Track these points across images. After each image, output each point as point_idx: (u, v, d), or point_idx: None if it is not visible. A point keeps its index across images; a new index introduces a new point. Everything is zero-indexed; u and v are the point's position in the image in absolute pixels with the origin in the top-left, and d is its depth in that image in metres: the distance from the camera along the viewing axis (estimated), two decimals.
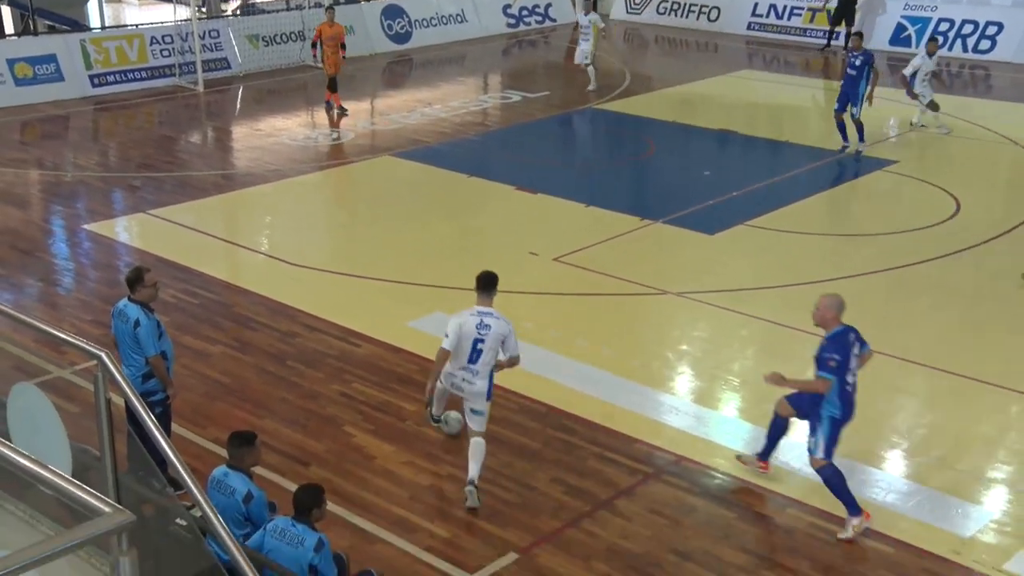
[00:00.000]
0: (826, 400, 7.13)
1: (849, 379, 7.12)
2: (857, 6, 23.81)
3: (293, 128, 17.91)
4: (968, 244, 12.49)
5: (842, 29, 23.78)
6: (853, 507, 7.24)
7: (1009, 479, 7.99)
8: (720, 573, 6.94)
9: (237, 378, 9.46)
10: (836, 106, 15.97)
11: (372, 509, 7.57)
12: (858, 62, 15.59)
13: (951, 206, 13.69)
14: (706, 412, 8.96)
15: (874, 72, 15.52)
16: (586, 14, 20.39)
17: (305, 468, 8.00)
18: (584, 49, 20.08)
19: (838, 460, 7.28)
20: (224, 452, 6.56)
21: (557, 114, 19.09)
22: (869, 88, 15.50)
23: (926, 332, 10.37)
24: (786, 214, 13.43)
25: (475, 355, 7.46)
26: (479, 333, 7.44)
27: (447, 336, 7.48)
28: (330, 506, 6.69)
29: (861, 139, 15.88)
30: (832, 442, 7.20)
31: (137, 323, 7.20)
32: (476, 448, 7.54)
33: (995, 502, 7.72)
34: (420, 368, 9.63)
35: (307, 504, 6.00)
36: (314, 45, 19.16)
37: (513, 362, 7.62)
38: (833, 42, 24.19)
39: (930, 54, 16.66)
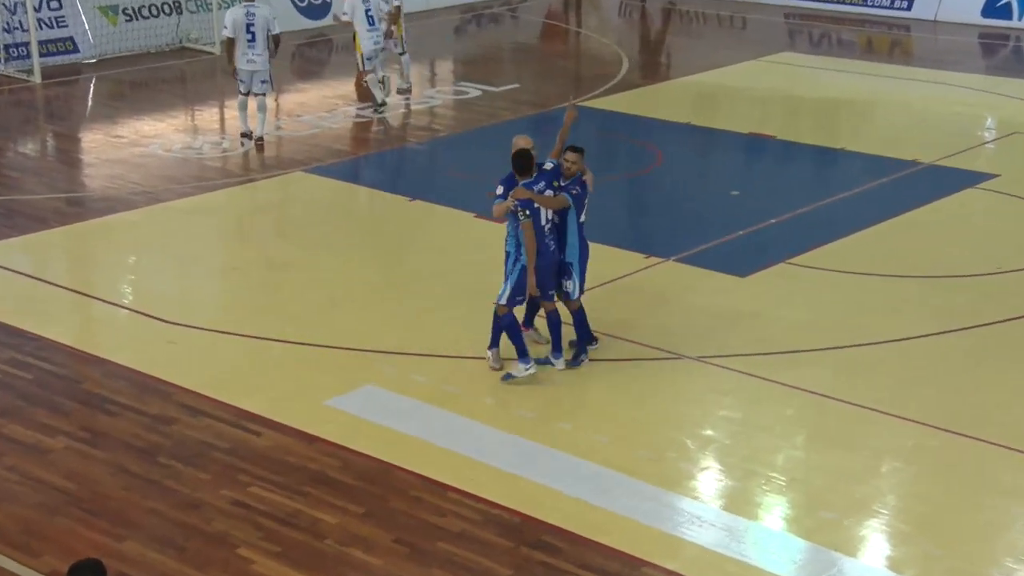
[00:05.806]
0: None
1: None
2: None
3: (168, 134, 17.86)
4: None
5: None
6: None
7: None
8: None
9: (86, 483, 9.29)
10: None
11: None
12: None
13: None
14: (739, 522, 8.90)
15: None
16: None
17: None
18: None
19: None
20: None
21: (530, 114, 19.18)
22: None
23: None
24: (844, 248, 13.49)
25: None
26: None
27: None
28: None
29: None
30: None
31: None
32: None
33: None
34: (343, 464, 9.52)
35: None
36: None
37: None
38: None
39: None
